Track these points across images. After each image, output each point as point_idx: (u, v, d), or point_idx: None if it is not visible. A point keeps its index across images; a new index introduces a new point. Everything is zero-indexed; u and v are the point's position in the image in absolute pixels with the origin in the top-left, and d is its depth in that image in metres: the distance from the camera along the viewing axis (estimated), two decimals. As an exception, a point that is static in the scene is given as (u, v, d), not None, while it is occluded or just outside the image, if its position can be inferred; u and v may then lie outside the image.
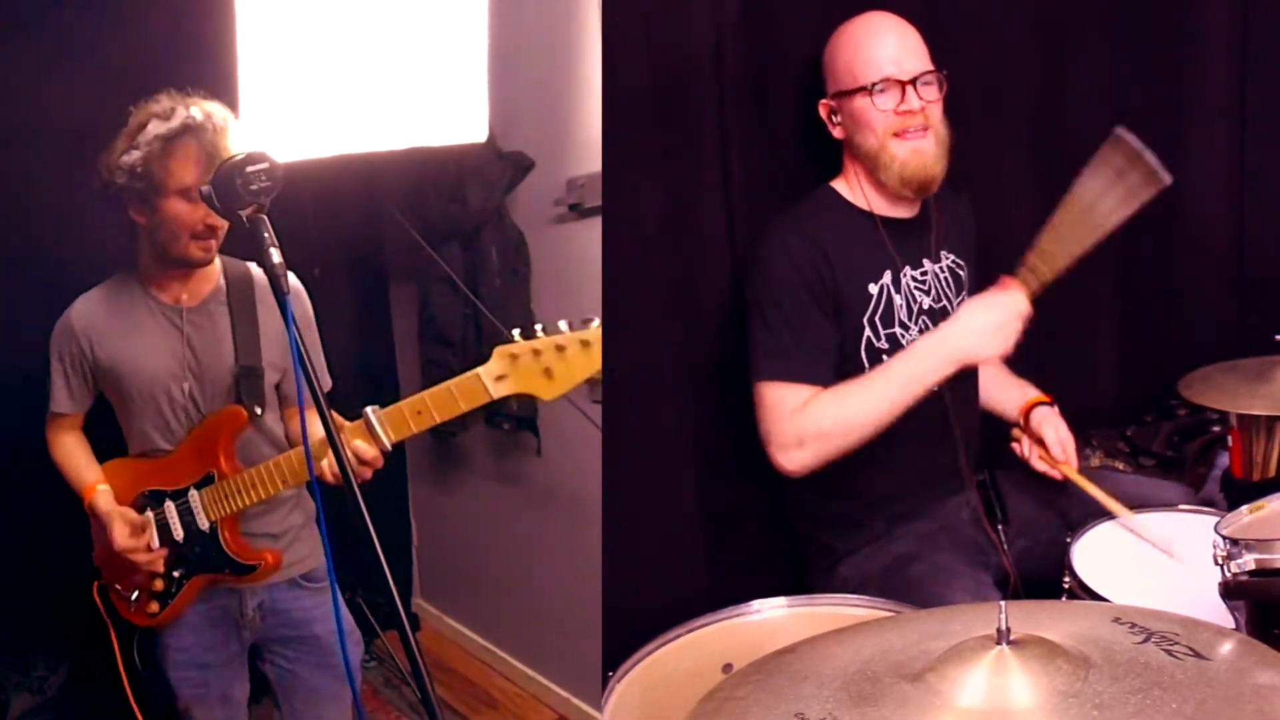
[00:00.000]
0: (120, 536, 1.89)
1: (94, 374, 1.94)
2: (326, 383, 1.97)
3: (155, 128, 1.75)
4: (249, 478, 1.86)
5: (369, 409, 1.71)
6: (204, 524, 1.91)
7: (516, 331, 1.61)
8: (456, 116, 2.29)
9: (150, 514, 1.93)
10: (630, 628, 1.73)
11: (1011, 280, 1.84)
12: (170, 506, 1.93)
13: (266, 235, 1.53)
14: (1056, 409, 2.05)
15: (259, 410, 1.91)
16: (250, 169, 1.53)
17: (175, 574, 1.94)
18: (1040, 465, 2.01)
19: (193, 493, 1.91)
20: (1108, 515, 1.88)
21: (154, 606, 1.96)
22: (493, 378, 1.62)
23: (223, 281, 1.94)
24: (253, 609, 2.02)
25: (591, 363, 1.58)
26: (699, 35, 2.04)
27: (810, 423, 1.85)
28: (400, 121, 2.20)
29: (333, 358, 2.06)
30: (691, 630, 1.68)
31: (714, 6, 2.05)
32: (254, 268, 1.95)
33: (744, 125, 2.11)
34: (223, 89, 1.81)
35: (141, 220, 1.83)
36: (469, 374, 1.64)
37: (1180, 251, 2.71)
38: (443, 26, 2.21)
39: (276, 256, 1.51)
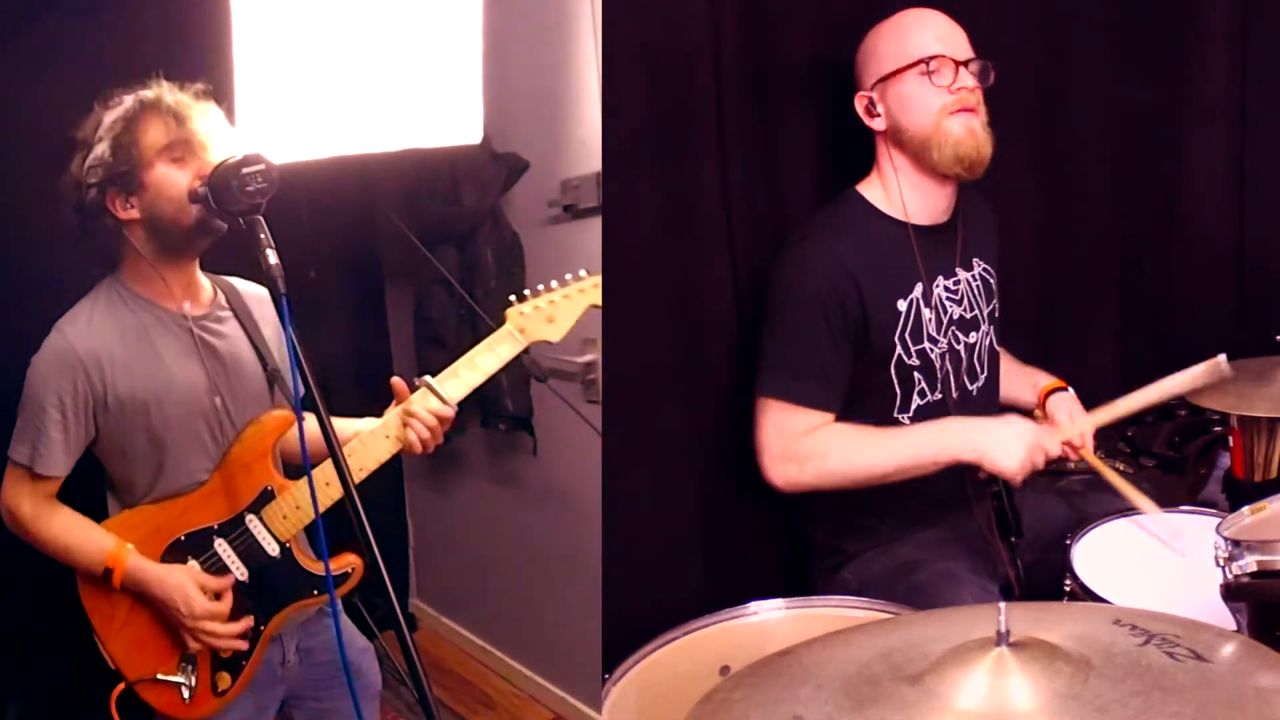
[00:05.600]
0: (199, 604, 1.65)
1: (98, 415, 1.66)
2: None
3: (111, 115, 1.66)
4: (320, 478, 1.62)
5: (425, 377, 1.79)
6: (273, 549, 1.72)
7: (513, 298, 1.85)
8: (451, 118, 2.29)
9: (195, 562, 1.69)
10: (628, 629, 1.72)
11: (1053, 425, 1.97)
12: (222, 545, 1.71)
13: (262, 237, 1.53)
14: (1072, 393, 2.04)
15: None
16: (246, 171, 1.54)
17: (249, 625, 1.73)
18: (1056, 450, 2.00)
19: (250, 518, 1.71)
20: (1110, 517, 1.88)
21: (224, 680, 1.72)
22: (517, 330, 1.83)
23: (218, 291, 1.84)
24: (293, 653, 1.84)
25: (580, 305, 1.85)
26: (698, 34, 2.03)
27: (818, 449, 1.86)
28: (395, 123, 2.20)
29: (328, 360, 2.05)
30: (689, 632, 1.68)
31: (713, 6, 2.05)
32: (235, 280, 1.86)
33: (744, 125, 2.10)
34: (218, 92, 1.79)
35: (134, 211, 1.66)
36: (498, 331, 1.83)
37: (1180, 251, 2.70)
38: (437, 28, 2.21)
39: (273, 258, 1.51)
